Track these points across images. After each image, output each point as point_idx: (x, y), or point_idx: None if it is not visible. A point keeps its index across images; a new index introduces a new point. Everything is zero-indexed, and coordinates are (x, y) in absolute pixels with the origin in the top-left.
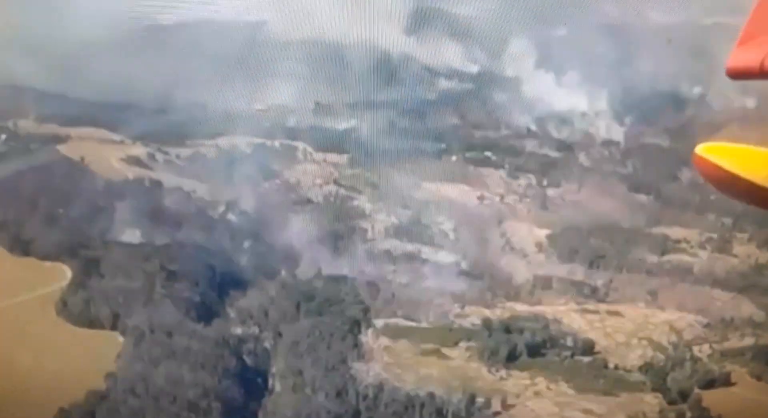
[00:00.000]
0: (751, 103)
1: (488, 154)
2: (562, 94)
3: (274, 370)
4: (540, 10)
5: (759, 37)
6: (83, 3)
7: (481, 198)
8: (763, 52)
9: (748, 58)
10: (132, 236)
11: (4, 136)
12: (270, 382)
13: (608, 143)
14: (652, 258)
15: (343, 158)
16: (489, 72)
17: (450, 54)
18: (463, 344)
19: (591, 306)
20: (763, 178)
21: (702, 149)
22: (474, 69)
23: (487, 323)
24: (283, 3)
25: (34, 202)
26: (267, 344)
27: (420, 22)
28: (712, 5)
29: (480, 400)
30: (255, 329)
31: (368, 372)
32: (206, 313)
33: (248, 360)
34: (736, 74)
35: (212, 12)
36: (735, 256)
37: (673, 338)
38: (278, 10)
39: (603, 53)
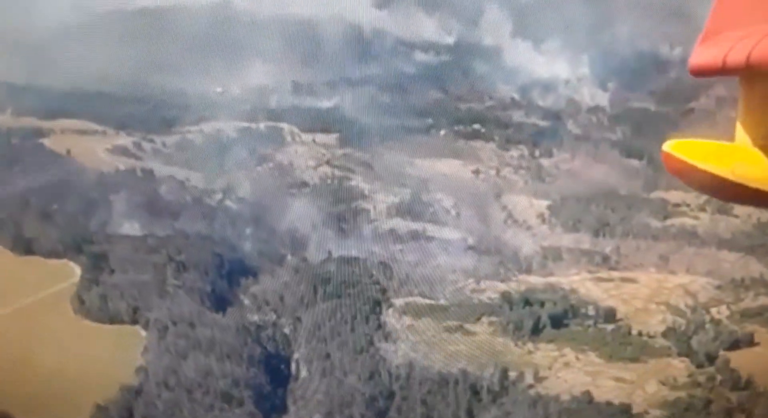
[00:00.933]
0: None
1: (477, 126)
2: (542, 62)
3: (297, 355)
4: None
5: (720, 34)
6: None
7: (476, 172)
8: (725, 49)
9: (710, 55)
10: (131, 228)
11: None
12: (293, 367)
13: (594, 109)
14: (656, 223)
15: (332, 138)
16: (466, 42)
17: (424, 26)
18: (485, 319)
19: (604, 274)
20: (727, 171)
21: (669, 146)
22: (450, 40)
23: (506, 297)
24: None
25: (26, 198)
26: (287, 330)
27: None
28: None
29: (513, 374)
30: (272, 316)
31: (396, 352)
32: (220, 302)
33: (269, 347)
34: (699, 72)
35: None
36: (736, 216)
37: (689, 301)
38: None
39: (578, 18)
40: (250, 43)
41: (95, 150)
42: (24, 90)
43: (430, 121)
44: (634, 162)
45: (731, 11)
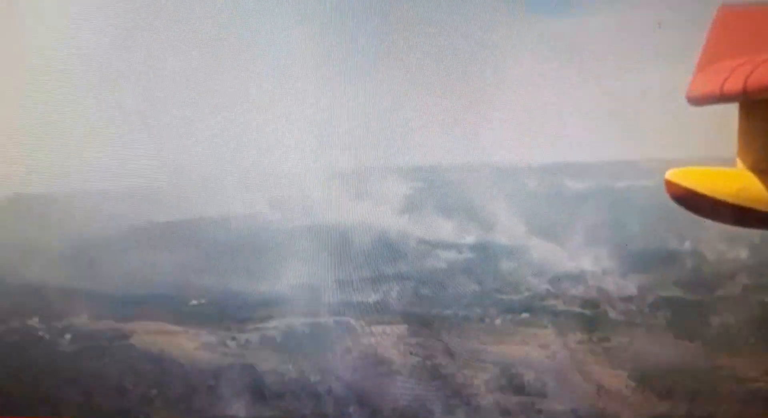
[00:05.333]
0: (743, 253)
1: (526, 315)
2: (565, 257)
3: None
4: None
5: (716, 63)
6: (79, 205)
7: (550, 357)
8: (722, 78)
9: (708, 84)
10: (238, 410)
11: (69, 336)
12: None
13: (628, 299)
14: (741, 389)
15: (402, 329)
16: (486, 242)
17: (443, 228)
18: None
19: None
20: (726, 195)
21: (671, 174)
22: (470, 240)
23: None
24: (270, 197)
25: (122, 386)
26: None
27: (409, 203)
28: (617, 170)
29: None
30: None
31: None
32: None
33: None
34: (698, 101)
35: (202, 211)
36: None
37: None
38: (267, 203)
39: (588, 217)
40: (285, 248)
41: (186, 348)
42: (84, 296)
43: (478, 310)
44: (688, 343)
45: (725, 42)
